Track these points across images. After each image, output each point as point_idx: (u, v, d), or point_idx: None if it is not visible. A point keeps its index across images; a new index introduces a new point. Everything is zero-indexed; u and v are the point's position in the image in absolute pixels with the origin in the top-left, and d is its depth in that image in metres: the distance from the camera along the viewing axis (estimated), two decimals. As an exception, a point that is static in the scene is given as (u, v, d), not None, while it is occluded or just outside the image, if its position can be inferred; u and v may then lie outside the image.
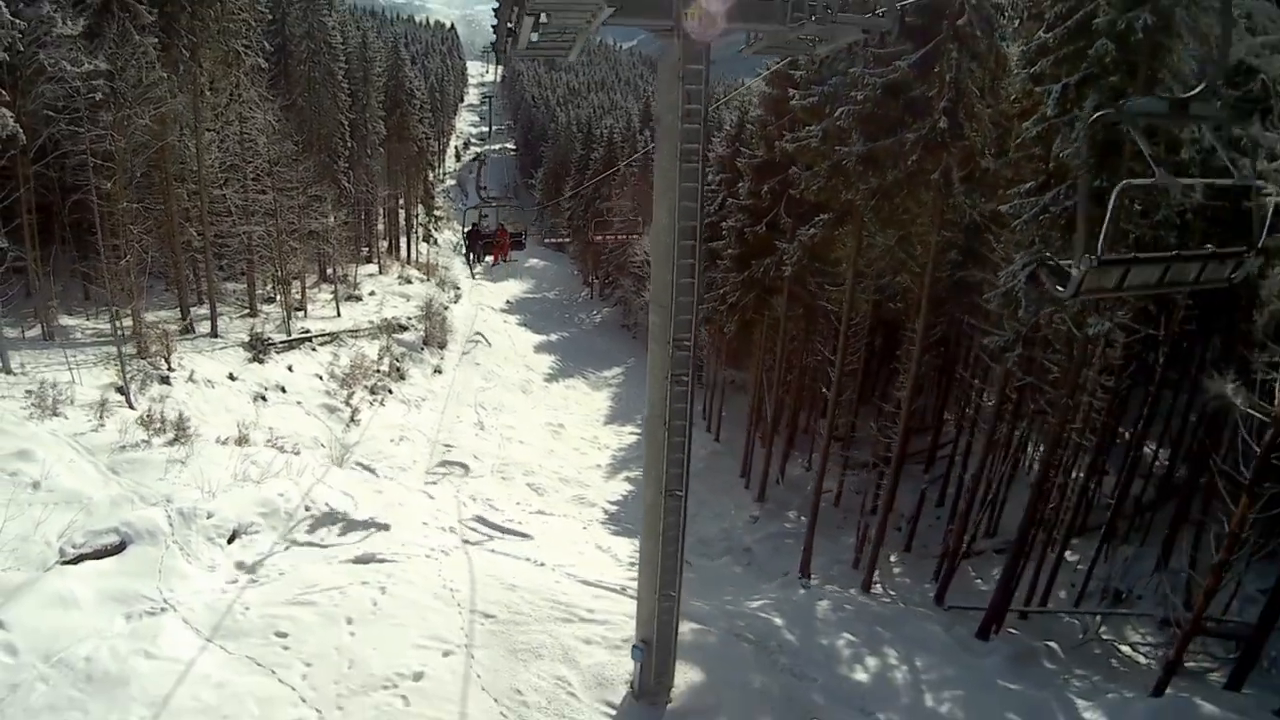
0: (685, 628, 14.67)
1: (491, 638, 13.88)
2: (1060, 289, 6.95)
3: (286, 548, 17.64)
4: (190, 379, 29.58)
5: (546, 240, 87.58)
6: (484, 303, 71.23)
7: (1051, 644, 20.91)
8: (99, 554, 15.65)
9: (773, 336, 37.21)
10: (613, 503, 34.66)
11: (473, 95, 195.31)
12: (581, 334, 69.12)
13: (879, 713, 13.70)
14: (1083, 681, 17.52)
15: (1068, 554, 26.72)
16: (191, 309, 37.42)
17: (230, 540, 17.33)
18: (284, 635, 13.45)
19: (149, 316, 32.38)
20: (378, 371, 41.52)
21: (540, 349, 63.86)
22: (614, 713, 12.55)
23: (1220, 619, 20.59)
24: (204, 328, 36.88)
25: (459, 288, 71.31)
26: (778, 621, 16.39)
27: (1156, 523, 28.13)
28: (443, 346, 51.81)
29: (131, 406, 24.72)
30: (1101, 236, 6.93)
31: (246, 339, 36.40)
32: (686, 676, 13.39)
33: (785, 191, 30.33)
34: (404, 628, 13.93)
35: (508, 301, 77.98)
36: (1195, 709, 14.95)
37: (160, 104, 33.47)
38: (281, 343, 38.51)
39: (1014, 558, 22.56)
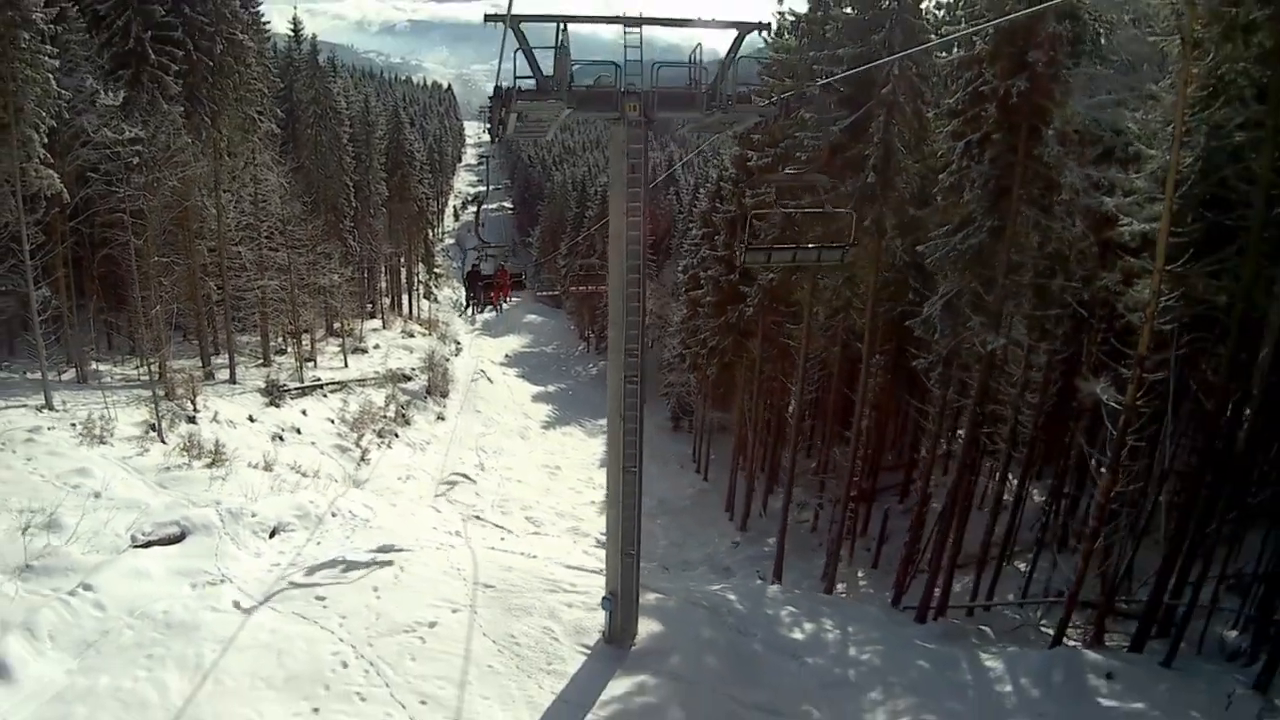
0: (650, 596, 18.12)
1: (491, 601, 17.29)
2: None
3: (319, 543, 21.15)
4: (214, 419, 32.76)
5: (539, 294, 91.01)
6: (484, 356, 74.75)
7: (984, 628, 24.05)
8: (164, 541, 19.16)
9: (750, 377, 40.62)
10: (605, 533, 37.75)
11: (470, 155, 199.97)
12: (578, 385, 72.24)
13: (807, 658, 16.99)
14: (997, 648, 20.68)
15: (1021, 564, 29.75)
16: (211, 358, 40.99)
17: (271, 535, 20.94)
18: (322, 599, 16.86)
19: (173, 363, 35.52)
20: (385, 417, 44.85)
21: (538, 399, 67.38)
22: (589, 652, 15.91)
23: (1130, 599, 23.78)
24: (223, 375, 40.50)
25: (459, 342, 75.06)
26: (731, 597, 19.70)
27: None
28: (445, 395, 55.26)
29: (163, 441, 28.03)
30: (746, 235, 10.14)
31: (263, 385, 39.82)
32: (648, 627, 16.77)
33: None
34: (420, 594, 17.34)
35: (506, 355, 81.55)
36: (1080, 656, 18.27)
37: (185, 167, 36.95)
38: (295, 389, 41.93)
39: (950, 556, 25.90)
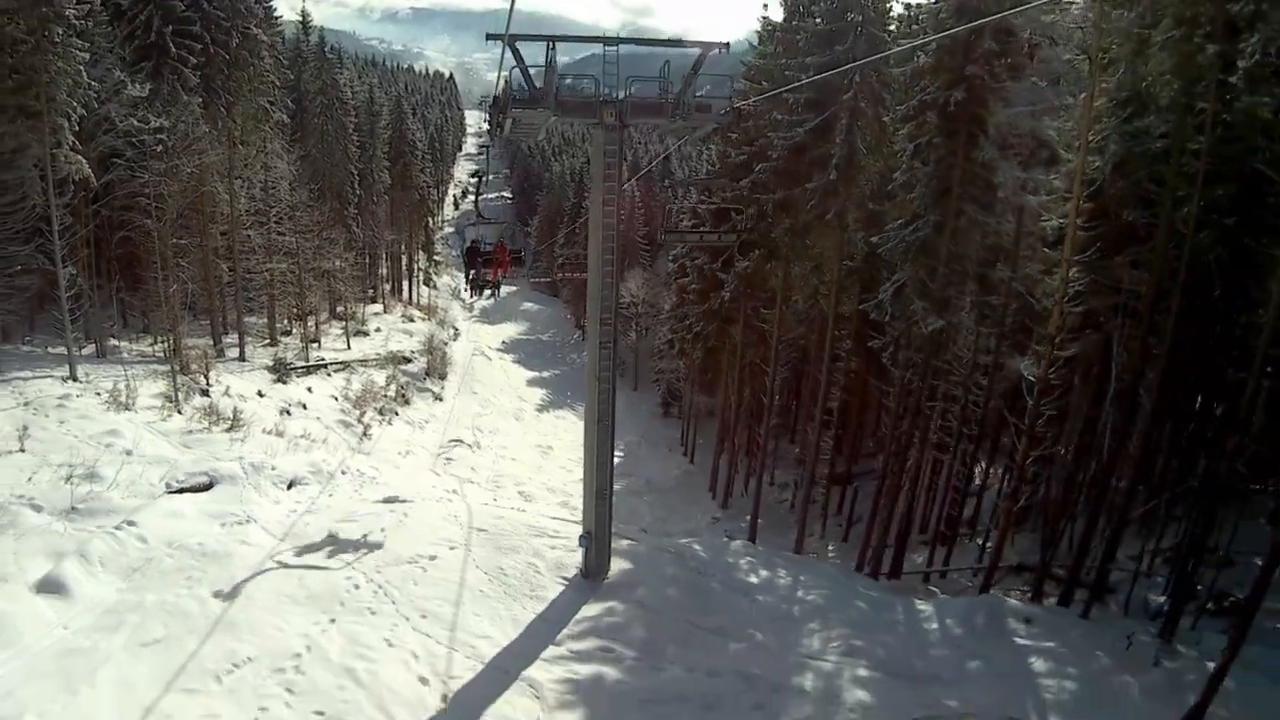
0: (623, 542, 20.67)
1: (484, 542, 19.82)
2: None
3: (330, 494, 23.78)
4: (226, 393, 35.04)
5: (534, 280, 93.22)
6: (481, 342, 77.04)
7: (934, 589, 26.52)
8: (194, 489, 21.77)
9: (733, 362, 43.04)
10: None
11: (470, 145, 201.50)
12: (572, 372, 74.29)
13: (759, 596, 19.46)
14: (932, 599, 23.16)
15: (981, 540, 32.00)
16: (221, 336, 43.47)
17: (289, 487, 23.58)
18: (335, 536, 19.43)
19: (186, 341, 37.85)
20: (386, 396, 47.13)
21: (532, 383, 69.57)
22: (567, 583, 18.44)
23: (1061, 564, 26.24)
24: (232, 353, 42.95)
25: (457, 328, 77.06)
26: (697, 548, 22.13)
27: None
28: (443, 377, 57.55)
29: (180, 412, 30.49)
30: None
31: (270, 363, 42.16)
32: (619, 565, 19.29)
33: (739, 233, 36.60)
34: (421, 535, 19.87)
35: (503, 341, 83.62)
36: (1003, 603, 20.80)
37: (202, 155, 39.39)
38: (301, 368, 44.31)
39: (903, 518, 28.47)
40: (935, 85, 23.33)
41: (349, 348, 54.46)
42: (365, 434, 41.25)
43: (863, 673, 16.18)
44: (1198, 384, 24.26)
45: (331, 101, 62.58)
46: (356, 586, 17.02)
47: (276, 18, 55.16)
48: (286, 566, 17.78)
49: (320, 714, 13.01)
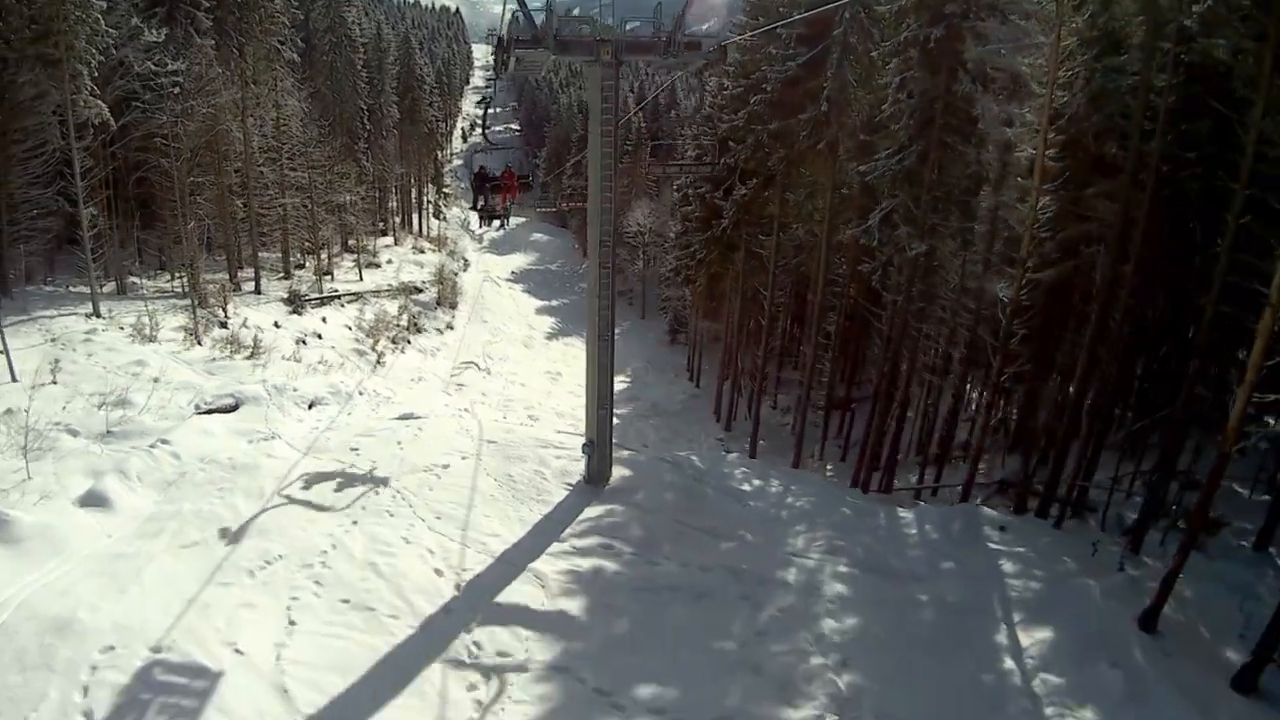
0: (624, 453, 21.99)
1: (494, 452, 21.14)
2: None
3: (349, 413, 25.24)
4: (244, 325, 36.48)
5: (541, 211, 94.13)
6: (491, 272, 78.30)
7: (920, 502, 27.88)
8: (221, 410, 23.24)
9: (735, 288, 44.27)
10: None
11: (478, 78, 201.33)
12: (581, 301, 75.10)
13: (750, 501, 20.75)
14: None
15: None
16: (237, 271, 44.83)
17: (309, 407, 25.05)
18: (356, 449, 20.79)
19: (204, 276, 39.09)
20: (398, 325, 48.63)
21: (541, 312, 70.95)
22: (571, 489, 19.74)
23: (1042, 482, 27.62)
24: (248, 286, 44.40)
25: (467, 259, 78.39)
26: (694, 459, 23.34)
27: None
28: (454, 307, 59.04)
29: (200, 344, 31.87)
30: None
31: (285, 296, 43.61)
32: (620, 473, 20.60)
33: (737, 163, 37.72)
34: (435, 446, 21.19)
35: (512, 272, 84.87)
36: (980, 512, 22.03)
37: (216, 95, 40.54)
38: (315, 299, 45.75)
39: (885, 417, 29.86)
40: (917, 23, 24.50)
41: (361, 279, 55.87)
42: (379, 361, 42.76)
43: (842, 569, 17.49)
44: (1174, 312, 25.49)
45: (340, 39, 63.59)
46: (376, 492, 18.40)
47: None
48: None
49: (345, 601, 14.39)
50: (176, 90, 37.83)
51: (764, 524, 19.45)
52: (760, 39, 31.43)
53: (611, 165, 17.93)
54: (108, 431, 20.71)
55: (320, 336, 41.68)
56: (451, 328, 55.63)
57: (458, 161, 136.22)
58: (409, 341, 48.48)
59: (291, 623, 13.65)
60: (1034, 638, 15.62)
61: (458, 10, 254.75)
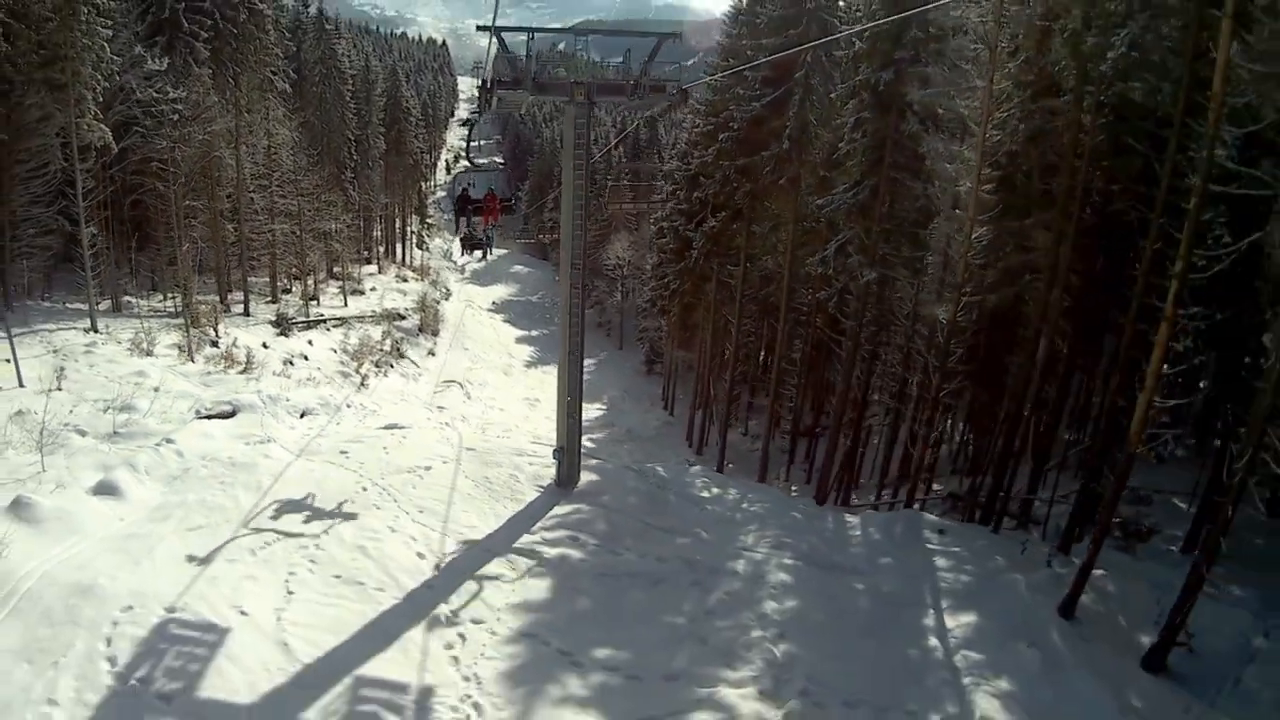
0: (592, 462, 23.89)
1: (472, 458, 22.97)
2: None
3: (338, 423, 27.09)
4: (233, 345, 38.23)
5: (520, 241, 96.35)
6: (472, 301, 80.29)
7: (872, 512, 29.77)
8: (220, 416, 24.97)
9: (707, 318, 46.34)
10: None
11: (463, 110, 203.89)
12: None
13: (708, 505, 22.60)
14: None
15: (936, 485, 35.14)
16: (227, 294, 46.76)
17: (301, 416, 26.90)
18: (345, 453, 22.56)
19: (194, 296, 40.86)
20: (381, 350, 50.41)
21: (521, 341, 72.85)
22: (542, 490, 21.52)
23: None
24: (237, 309, 46.37)
25: (449, 289, 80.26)
26: (659, 469, 25.23)
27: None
28: (435, 334, 60.94)
29: (193, 360, 33.70)
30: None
31: (273, 318, 45.56)
32: (588, 478, 22.44)
33: (707, 197, 39.93)
34: (418, 452, 23.00)
35: (494, 302, 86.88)
36: (921, 517, 23.88)
37: (211, 122, 42.52)
38: (301, 322, 47.65)
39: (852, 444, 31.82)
40: (869, 68, 26.80)
41: (346, 305, 57.81)
42: (363, 384, 44.46)
43: (787, 561, 19.31)
44: (1102, 333, 27.64)
45: (330, 70, 65.69)
46: (364, 489, 20.15)
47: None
48: (303, 476, 21.00)
49: (337, 576, 16.17)
50: (176, 117, 39.77)
51: (719, 524, 21.28)
52: (729, 79, 33.76)
53: (583, 194, 19.96)
54: (114, 432, 22.41)
55: (307, 358, 43.44)
56: (433, 354, 57.50)
57: (441, 193, 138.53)
58: (392, 365, 50.26)
59: (290, 592, 15.41)
60: (960, 622, 17.48)
61: (444, 43, 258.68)
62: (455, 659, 14.46)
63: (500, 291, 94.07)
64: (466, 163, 29.38)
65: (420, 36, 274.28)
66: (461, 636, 15.02)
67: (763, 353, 50.52)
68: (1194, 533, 23.67)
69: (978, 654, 16.32)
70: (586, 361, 66.54)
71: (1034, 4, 23.31)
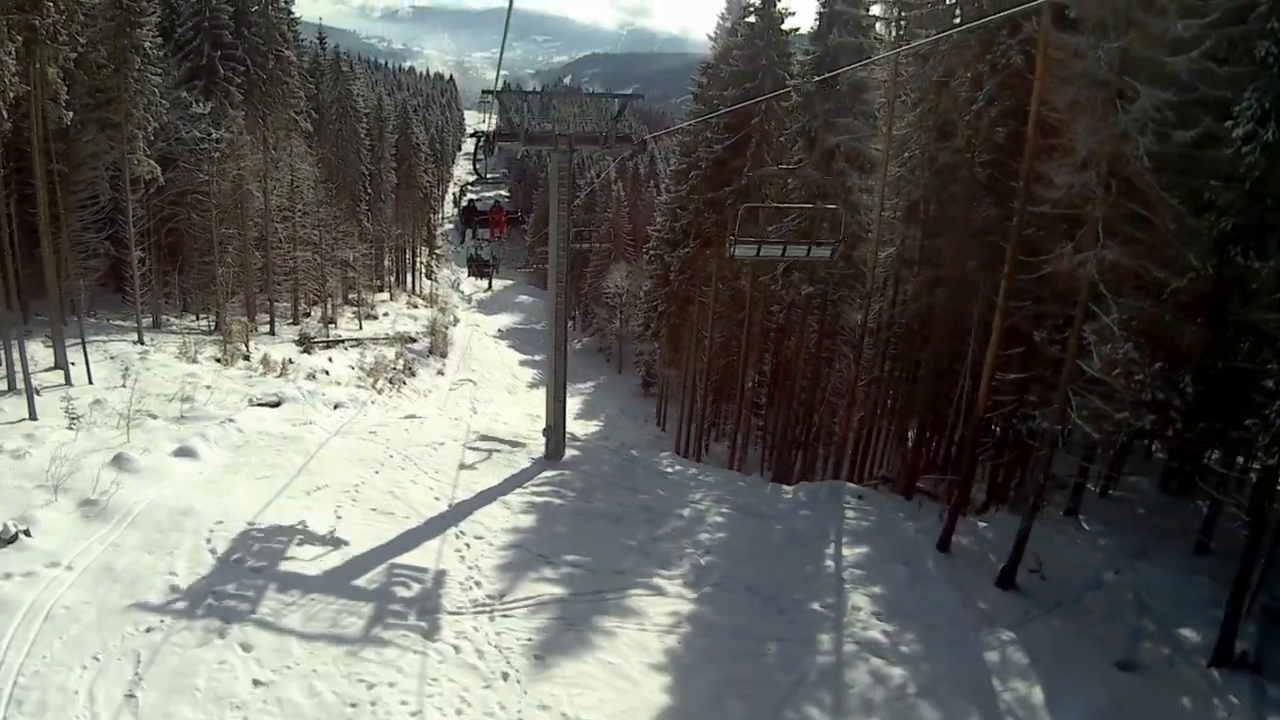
0: (578, 442, 29.70)
1: (477, 438, 28.85)
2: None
3: (365, 415, 32.98)
4: (263, 359, 44.17)
5: (523, 270, 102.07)
6: (479, 328, 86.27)
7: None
8: (268, 404, 30.95)
9: (693, 337, 52.06)
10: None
11: (469, 144, 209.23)
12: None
13: (669, 475, 28.22)
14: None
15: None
16: (254, 314, 52.72)
17: (334, 408, 32.75)
18: (373, 433, 28.32)
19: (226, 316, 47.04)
20: (394, 368, 56.24)
21: (525, 364, 78.53)
22: (534, 460, 27.25)
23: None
24: (264, 328, 52.15)
25: (457, 316, 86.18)
26: (633, 451, 31.12)
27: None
28: (444, 356, 66.80)
29: (231, 367, 39.56)
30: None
31: (296, 337, 51.54)
32: (571, 452, 28.10)
33: (684, 226, 45.90)
34: (434, 432, 28.77)
35: (499, 329, 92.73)
36: (844, 486, 29.41)
37: (244, 159, 48.56)
38: (322, 342, 53.63)
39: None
40: (805, 117, 32.76)
41: (361, 328, 63.77)
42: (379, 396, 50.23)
43: (724, 511, 24.97)
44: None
45: (346, 110, 71.79)
46: (390, 456, 25.85)
47: (302, 40, 64.40)
48: (341, 447, 26.75)
49: (374, 509, 21.86)
50: (217, 154, 45.82)
51: (675, 487, 27.01)
52: (699, 125, 39.81)
53: (566, 226, 25.81)
54: (181, 416, 28.27)
55: (327, 373, 49.25)
56: (442, 374, 63.46)
57: (449, 225, 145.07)
58: (404, 382, 56.09)
59: (338, 517, 21.09)
60: (853, 551, 23.27)
61: (450, 78, 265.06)
62: (462, 557, 20.17)
63: (505, 320, 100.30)
64: (476, 174, 31.72)
65: (428, 71, 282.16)
66: (467, 545, 20.73)
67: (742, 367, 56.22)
68: (1075, 498, 28.97)
69: (861, 571, 22.05)
70: (585, 384, 72.85)
71: (932, 64, 28.88)
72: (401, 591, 18.21)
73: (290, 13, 60.12)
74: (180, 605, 16.38)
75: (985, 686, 17.62)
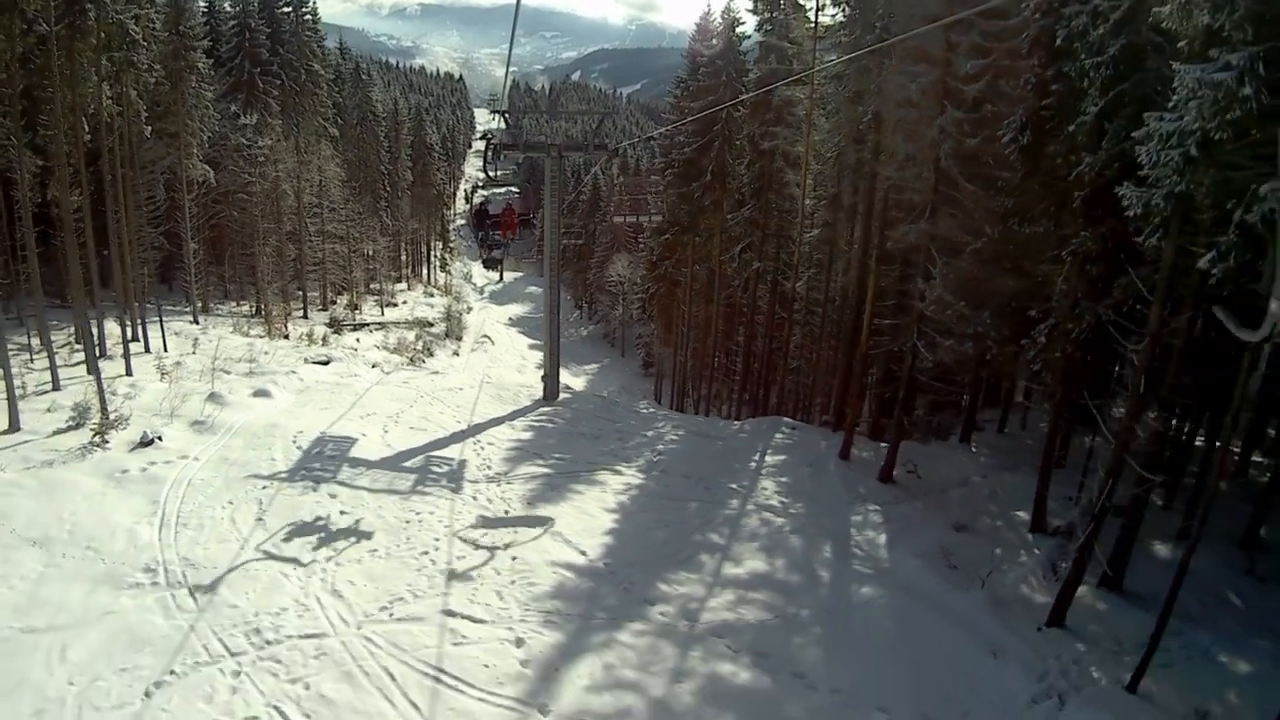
0: (568, 392, 37.99)
1: (490, 386, 37.21)
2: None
3: (396, 371, 41.30)
4: (307, 334, 52.33)
5: (533, 261, 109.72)
6: (490, 317, 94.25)
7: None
8: (320, 362, 39.52)
9: (679, 317, 60.22)
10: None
11: (479, 143, 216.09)
12: (569, 343, 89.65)
13: (642, 413, 36.53)
14: (761, 435, 40.25)
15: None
16: (290, 301, 61.01)
17: (372, 367, 41.11)
18: (406, 383, 36.74)
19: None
20: (415, 348, 63.83)
21: (534, 348, 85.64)
22: (534, 400, 35.44)
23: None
24: (297, 313, 60.32)
25: (470, 305, 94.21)
26: (616, 400, 39.42)
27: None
28: (459, 339, 74.33)
29: (276, 340, 47.83)
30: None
31: (327, 320, 59.51)
32: (563, 397, 36.33)
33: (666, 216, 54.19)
34: (456, 382, 37.38)
35: (510, 318, 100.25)
36: (781, 419, 37.28)
37: (281, 163, 56.93)
38: (350, 325, 61.62)
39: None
40: (751, 124, 41.04)
41: (383, 314, 71.88)
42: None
43: (680, 432, 33.13)
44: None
45: (365, 115, 79.99)
46: (421, 397, 34.20)
47: (328, 52, 72.83)
48: (382, 390, 35.03)
49: (412, 428, 30.18)
50: (262, 159, 54.22)
51: (644, 419, 35.23)
52: (674, 130, 48.07)
53: (558, 217, 34.12)
54: (250, 372, 36.37)
55: (355, 351, 57.32)
56: (458, 355, 71.23)
57: (460, 221, 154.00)
58: (424, 361, 63.78)
59: (385, 431, 29.51)
60: (774, 458, 31.30)
61: (460, 78, 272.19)
62: (478, 453, 28.50)
63: (516, 310, 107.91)
64: (485, 175, 36.38)
65: (437, 70, 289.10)
66: (481, 448, 29.06)
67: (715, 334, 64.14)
68: (966, 428, 36.41)
69: (774, 468, 30.12)
70: (591, 365, 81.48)
71: (843, 83, 36.36)
72: (435, 469, 26.51)
73: (318, 31, 68.60)
74: (283, 474, 24.68)
75: (843, 534, 25.24)
